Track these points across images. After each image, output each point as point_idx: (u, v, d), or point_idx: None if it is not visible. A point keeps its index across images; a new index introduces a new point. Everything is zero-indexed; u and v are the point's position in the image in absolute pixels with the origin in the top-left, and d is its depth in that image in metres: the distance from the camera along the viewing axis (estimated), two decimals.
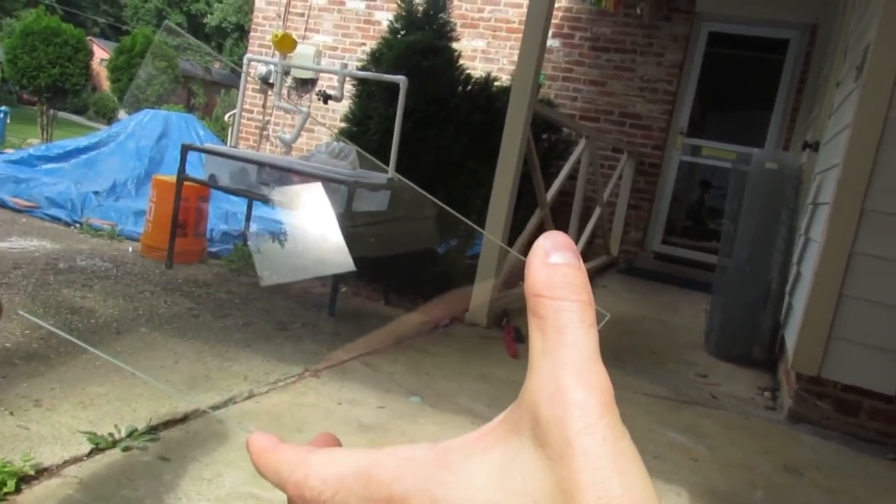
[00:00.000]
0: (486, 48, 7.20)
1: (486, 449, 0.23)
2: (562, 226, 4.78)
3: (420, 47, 4.65)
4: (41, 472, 1.60)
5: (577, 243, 4.57)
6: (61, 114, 11.96)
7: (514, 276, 3.62)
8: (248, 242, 4.16)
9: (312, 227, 0.43)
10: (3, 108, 9.64)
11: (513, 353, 3.07)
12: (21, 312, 2.62)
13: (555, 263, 0.23)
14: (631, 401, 2.81)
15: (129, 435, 1.81)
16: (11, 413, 1.86)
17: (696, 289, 5.65)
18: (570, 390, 0.21)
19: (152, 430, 1.86)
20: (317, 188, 0.42)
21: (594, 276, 5.71)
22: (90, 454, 1.71)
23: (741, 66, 7.87)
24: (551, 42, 6.67)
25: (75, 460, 1.67)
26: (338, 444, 0.27)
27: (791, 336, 3.13)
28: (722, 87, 8.82)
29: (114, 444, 1.77)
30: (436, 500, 0.22)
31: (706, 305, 4.46)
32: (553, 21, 6.47)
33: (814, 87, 5.70)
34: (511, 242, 3.83)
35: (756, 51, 7.03)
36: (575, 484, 0.20)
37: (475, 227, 0.26)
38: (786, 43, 6.41)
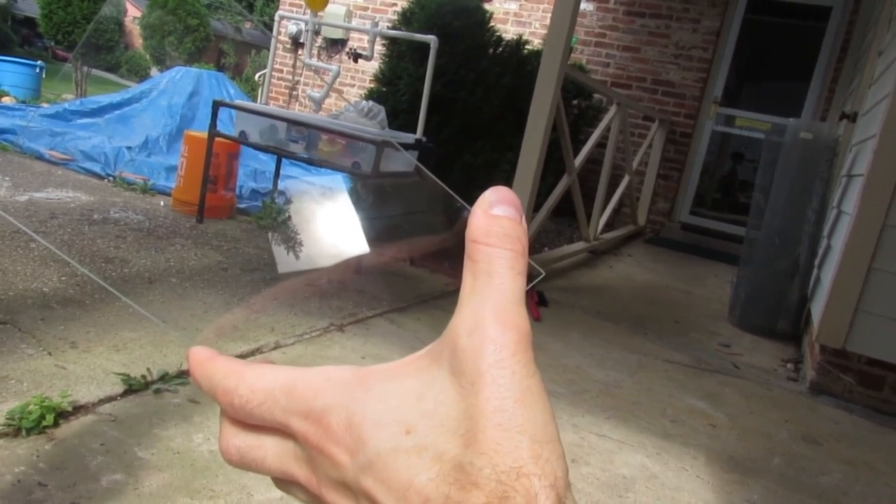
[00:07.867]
0: (518, 10, 7.08)
1: (407, 375, 0.24)
2: (589, 193, 4.74)
3: (452, 8, 4.59)
4: (78, 409, 1.67)
5: (603, 212, 4.51)
6: (94, 71, 12.07)
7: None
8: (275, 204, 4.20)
9: (329, 215, 0.44)
10: (39, 62, 9.75)
11: (536, 316, 3.09)
12: (61, 254, 2.70)
13: (496, 215, 0.24)
14: (652, 367, 2.83)
15: (161, 378, 1.87)
16: (49, 353, 1.93)
17: (722, 260, 5.60)
18: (488, 326, 0.22)
19: (182, 374, 1.92)
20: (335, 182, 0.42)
21: (620, 244, 5.69)
22: (124, 394, 1.78)
23: (780, 33, 7.64)
24: (585, 5, 6.54)
25: (109, 399, 1.74)
26: None
27: (817, 308, 3.10)
28: (759, 56, 8.58)
29: (146, 385, 1.83)
30: (352, 414, 0.23)
31: (731, 277, 4.43)
32: None
33: (855, 56, 5.52)
34: (538, 208, 3.82)
35: (797, 18, 6.82)
36: (481, 411, 0.21)
37: (462, 203, 0.29)
38: (828, 10, 6.20)
